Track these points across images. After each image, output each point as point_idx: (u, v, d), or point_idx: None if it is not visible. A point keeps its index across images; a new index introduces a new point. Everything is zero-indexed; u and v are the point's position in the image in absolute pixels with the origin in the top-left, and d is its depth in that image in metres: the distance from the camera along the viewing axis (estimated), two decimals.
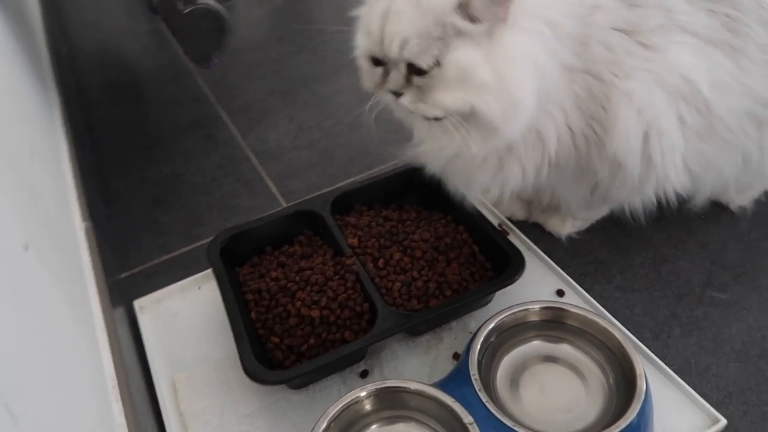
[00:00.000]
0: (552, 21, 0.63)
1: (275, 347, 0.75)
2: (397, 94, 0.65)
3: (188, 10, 1.07)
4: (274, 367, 0.73)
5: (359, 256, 0.83)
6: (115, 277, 0.93)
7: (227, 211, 1.07)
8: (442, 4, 0.59)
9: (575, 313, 0.71)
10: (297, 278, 0.80)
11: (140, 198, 1.11)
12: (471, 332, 0.78)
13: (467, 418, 0.62)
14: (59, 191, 0.89)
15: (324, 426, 0.62)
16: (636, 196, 0.77)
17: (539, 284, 0.85)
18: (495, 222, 0.95)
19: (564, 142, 0.71)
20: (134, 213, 1.08)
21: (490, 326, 0.70)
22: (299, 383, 0.75)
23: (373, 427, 0.67)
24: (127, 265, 0.98)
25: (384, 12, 0.62)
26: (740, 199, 0.92)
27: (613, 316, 0.79)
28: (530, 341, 0.73)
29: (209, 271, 0.85)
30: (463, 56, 0.60)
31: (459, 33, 0.60)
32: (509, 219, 0.96)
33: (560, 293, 0.84)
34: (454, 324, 0.81)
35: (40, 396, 0.46)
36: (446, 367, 0.75)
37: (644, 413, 0.63)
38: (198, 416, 0.73)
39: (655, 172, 0.72)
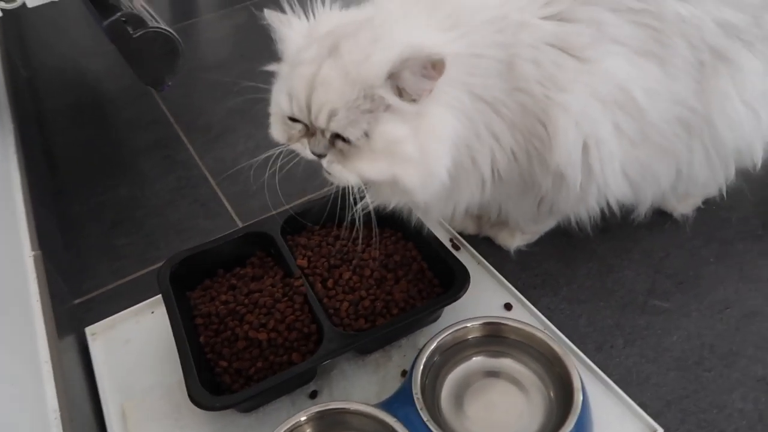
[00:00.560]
0: (475, 69, 0.65)
1: (223, 371, 0.75)
2: (318, 155, 0.67)
3: (138, 33, 1.07)
4: (223, 391, 0.74)
5: (308, 277, 0.83)
6: (67, 304, 0.93)
7: (184, 233, 1.07)
8: (371, 76, 0.60)
9: (514, 327, 0.73)
10: (246, 301, 0.81)
11: (97, 222, 1.11)
12: (420, 349, 0.79)
13: None
14: (8, 221, 0.89)
15: None
16: (580, 206, 0.79)
17: (488, 298, 0.86)
18: (447, 237, 0.97)
19: (502, 161, 0.72)
20: (91, 238, 1.08)
21: (433, 346, 0.72)
22: (248, 407, 0.75)
23: None
24: (81, 291, 0.98)
25: (310, 79, 0.62)
26: (682, 207, 0.95)
27: (558, 328, 0.80)
28: (472, 357, 0.74)
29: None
30: (391, 130, 0.62)
31: (388, 107, 0.62)
32: (461, 234, 0.97)
33: (508, 307, 0.85)
34: (403, 341, 0.82)
35: None
36: (395, 385, 0.76)
37: (581, 426, 0.64)
38: None
39: (596, 180, 0.74)
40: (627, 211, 0.86)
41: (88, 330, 0.87)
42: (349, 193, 0.69)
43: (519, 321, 0.73)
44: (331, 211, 0.93)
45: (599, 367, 0.76)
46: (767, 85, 0.74)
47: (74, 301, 0.95)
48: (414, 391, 0.67)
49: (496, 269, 0.90)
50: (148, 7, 1.19)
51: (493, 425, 0.69)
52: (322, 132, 0.65)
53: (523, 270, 0.92)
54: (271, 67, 0.70)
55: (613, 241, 0.94)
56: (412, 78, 0.60)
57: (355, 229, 0.91)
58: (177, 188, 1.17)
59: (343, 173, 0.66)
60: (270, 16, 0.68)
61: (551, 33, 0.68)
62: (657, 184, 0.80)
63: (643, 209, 0.85)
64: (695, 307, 0.84)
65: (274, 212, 1.05)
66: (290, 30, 0.68)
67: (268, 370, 0.75)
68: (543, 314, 0.82)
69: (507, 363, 0.73)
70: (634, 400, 0.72)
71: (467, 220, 0.98)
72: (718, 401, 0.74)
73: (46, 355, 0.72)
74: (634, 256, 0.92)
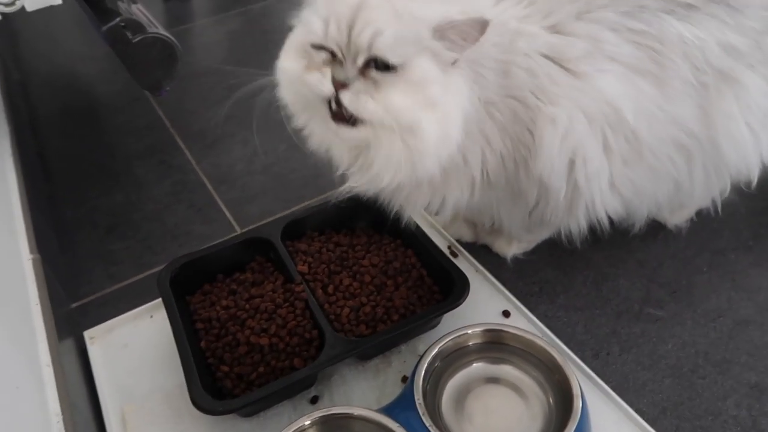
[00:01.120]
0: (480, 64, 0.66)
1: (225, 376, 0.75)
2: (337, 90, 0.62)
3: (137, 39, 1.08)
4: (224, 396, 0.74)
5: (309, 283, 0.84)
6: (65, 308, 0.92)
7: (181, 238, 1.07)
8: (420, 19, 0.61)
9: (515, 334, 0.74)
10: (247, 306, 0.81)
11: (92, 227, 1.11)
12: (419, 354, 0.79)
13: None
14: (7, 224, 0.88)
15: None
16: (569, 220, 0.80)
17: (486, 305, 0.87)
18: (445, 244, 0.98)
19: (492, 163, 0.73)
20: (86, 242, 1.08)
21: (434, 351, 0.72)
22: (249, 411, 0.75)
23: None
24: (79, 295, 0.97)
25: (357, 2, 0.61)
26: (675, 218, 0.97)
27: (556, 335, 0.82)
28: (473, 363, 0.75)
29: (161, 299, 0.85)
30: (429, 67, 0.62)
31: (430, 48, 0.62)
32: (458, 241, 0.98)
33: (506, 314, 0.86)
34: (403, 347, 0.83)
35: None
36: (395, 390, 0.76)
37: None
38: None
39: (583, 197, 0.75)
40: (618, 224, 0.88)
41: (87, 334, 0.87)
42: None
43: (519, 328, 0.74)
44: (330, 217, 0.94)
45: (596, 374, 0.77)
46: None
47: (72, 305, 0.95)
48: (416, 397, 0.68)
49: (493, 276, 0.91)
50: (146, 12, 1.20)
51: (493, 430, 0.69)
52: (354, 58, 0.62)
53: (521, 278, 0.93)
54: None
55: (607, 250, 0.96)
56: (455, 37, 0.61)
57: (355, 236, 0.93)
58: (173, 193, 1.17)
59: (369, 104, 0.62)
60: None
61: (546, 44, 0.69)
62: (652, 200, 0.81)
63: (638, 223, 0.86)
64: (689, 315, 0.86)
65: (272, 218, 1.07)
66: None
67: (270, 375, 0.75)
68: (541, 321, 0.83)
69: (507, 369, 0.74)
70: (631, 406, 0.74)
71: (463, 227, 0.99)
72: (712, 408, 0.76)
73: (47, 359, 0.72)
74: (629, 265, 0.94)
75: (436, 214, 0.85)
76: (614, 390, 0.75)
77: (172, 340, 0.77)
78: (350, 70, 0.62)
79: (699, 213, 0.97)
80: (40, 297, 0.81)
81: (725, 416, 0.75)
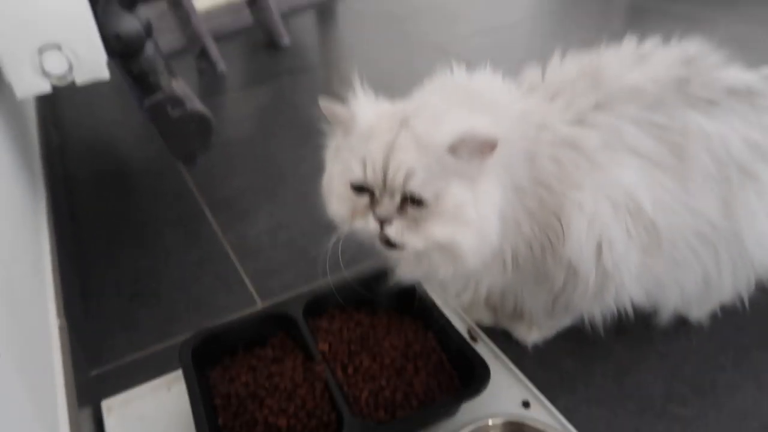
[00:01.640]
0: (508, 162, 0.69)
1: None
2: (382, 225, 0.69)
3: (177, 114, 1.13)
4: None
5: (329, 362, 0.84)
6: (85, 375, 0.93)
7: (203, 308, 1.08)
8: (438, 144, 0.66)
9: (537, 429, 0.73)
10: (266, 384, 0.81)
11: (118, 292, 1.13)
12: None
13: None
14: (37, 288, 0.90)
15: None
16: (595, 305, 0.80)
17: (506, 394, 0.86)
18: (464, 327, 0.98)
19: (521, 248, 0.75)
20: (110, 308, 1.09)
21: None
22: None
23: None
24: (99, 362, 0.98)
25: (388, 144, 0.67)
26: (698, 312, 0.96)
27: (578, 429, 0.80)
28: None
29: (180, 371, 0.86)
30: (459, 193, 0.66)
31: (454, 171, 0.66)
32: (477, 324, 0.98)
33: (526, 404, 0.85)
34: None
35: None
36: None
37: None
38: None
39: (613, 281, 0.76)
40: (644, 315, 0.88)
41: (104, 404, 0.87)
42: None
43: (542, 422, 0.73)
44: (351, 296, 0.95)
45: None
46: None
47: (92, 373, 0.95)
48: None
49: (513, 364, 0.90)
50: (185, 87, 1.26)
51: None
52: (391, 196, 0.68)
53: (540, 366, 0.92)
54: (332, 142, 0.75)
55: (629, 342, 0.95)
56: (467, 152, 0.65)
57: (375, 316, 0.94)
58: (198, 263, 1.19)
59: (412, 238, 0.68)
60: (326, 104, 0.72)
61: (568, 134, 0.72)
62: (677, 292, 0.81)
63: (664, 315, 0.86)
64: (714, 415, 0.84)
65: (294, 292, 1.08)
66: (360, 107, 0.72)
67: None
68: (562, 414, 0.82)
69: None
70: None
71: (484, 310, 0.99)
72: None
73: (66, 428, 0.72)
74: (650, 358, 0.93)
75: (456, 295, 0.86)
76: None
77: (189, 415, 0.77)
78: (389, 209, 0.68)
79: (723, 308, 0.97)
80: (63, 363, 0.82)
81: None
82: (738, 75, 0.79)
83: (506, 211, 0.70)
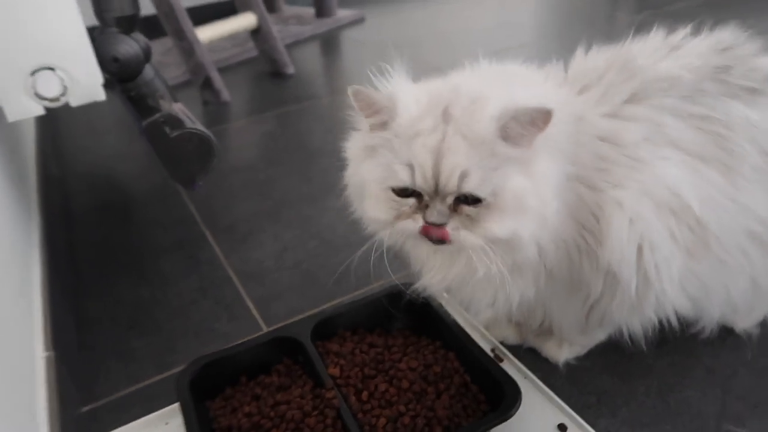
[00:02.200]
0: (557, 140, 0.62)
1: None
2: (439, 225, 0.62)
3: (176, 134, 1.08)
4: None
5: (341, 388, 0.76)
6: (75, 412, 0.85)
7: (204, 335, 1.01)
8: (486, 133, 0.59)
9: None
10: (272, 414, 0.73)
11: (115, 322, 1.06)
12: None
13: None
14: (23, 319, 0.84)
15: None
16: (636, 316, 0.72)
17: (539, 417, 0.78)
18: (487, 347, 0.90)
19: (558, 251, 0.68)
20: (106, 339, 1.02)
21: None
22: None
23: None
24: (92, 396, 0.90)
25: (436, 146, 0.60)
26: (744, 321, 0.87)
27: None
28: None
29: (178, 404, 0.78)
30: (518, 184, 0.60)
31: (508, 159, 0.59)
32: (501, 343, 0.90)
33: (562, 428, 0.76)
34: None
35: None
36: None
37: None
38: None
39: (653, 288, 0.68)
40: (687, 325, 0.80)
41: None
42: None
43: None
44: (363, 317, 0.88)
45: None
46: None
47: (83, 409, 0.88)
48: None
49: (544, 384, 0.81)
50: (186, 111, 1.21)
51: None
52: (443, 199, 0.61)
53: (574, 386, 0.84)
54: (371, 141, 0.65)
55: (670, 356, 0.86)
56: (519, 128, 0.58)
57: (390, 336, 0.86)
58: (199, 289, 1.12)
59: (469, 238, 0.61)
60: (360, 91, 0.64)
61: (606, 128, 0.66)
62: (723, 298, 0.74)
63: (708, 325, 0.78)
64: None
65: (300, 316, 1.00)
66: (402, 93, 0.64)
67: None
68: None
69: None
70: None
71: (508, 327, 0.91)
72: None
73: None
74: (697, 373, 0.84)
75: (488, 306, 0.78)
76: None
77: None
78: (443, 211, 0.61)
79: None
80: (49, 399, 0.74)
81: None
82: None
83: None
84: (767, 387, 0.81)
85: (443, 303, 0.90)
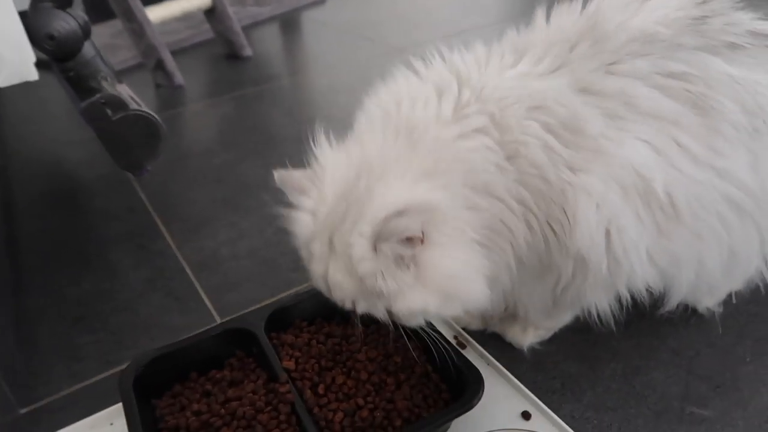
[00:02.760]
0: (471, 171, 0.61)
1: None
2: None
3: (118, 116, 1.01)
4: None
5: (296, 381, 0.72)
6: (11, 415, 0.79)
7: (155, 330, 0.95)
8: (364, 268, 0.59)
9: None
10: (222, 411, 0.69)
11: (58, 317, 1.00)
12: None
13: None
14: None
15: None
16: (607, 294, 0.71)
17: (502, 406, 0.75)
18: (451, 334, 0.87)
19: (523, 249, 0.66)
20: (49, 335, 0.96)
21: None
22: None
23: None
24: (32, 397, 0.85)
25: (323, 276, 0.64)
26: (709, 300, 0.86)
27: None
28: None
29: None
30: (407, 303, 0.61)
31: (399, 260, 0.59)
32: (464, 329, 0.87)
33: (526, 416, 0.74)
34: None
35: None
36: None
37: None
38: None
39: (623, 268, 0.66)
40: (653, 305, 0.78)
41: None
42: None
43: None
44: (321, 306, 0.84)
45: None
46: None
47: (20, 411, 0.82)
48: None
49: (508, 371, 0.79)
50: (130, 92, 1.15)
51: None
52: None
53: (539, 371, 0.81)
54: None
55: (636, 339, 0.85)
56: (394, 251, 0.59)
57: (349, 325, 0.82)
58: (150, 280, 1.06)
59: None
60: (282, 178, 0.68)
61: (565, 116, 0.62)
62: (697, 270, 0.71)
63: (676, 299, 0.76)
64: (739, 414, 0.74)
65: (257, 306, 0.96)
66: (299, 215, 0.66)
67: None
68: (567, 424, 0.71)
69: None
70: None
71: (470, 313, 0.88)
72: None
73: None
74: (662, 355, 0.83)
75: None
76: None
77: None
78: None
79: (736, 296, 0.87)
80: None
81: None
82: (757, 22, 0.69)
83: (491, 232, 0.63)
84: (730, 367, 0.80)
85: None
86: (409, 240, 0.58)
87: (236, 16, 2.16)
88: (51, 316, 1.00)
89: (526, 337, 0.84)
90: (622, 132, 0.63)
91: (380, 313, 0.63)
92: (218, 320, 0.96)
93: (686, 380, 0.79)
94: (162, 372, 0.75)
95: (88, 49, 1.12)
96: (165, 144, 1.08)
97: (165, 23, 2.00)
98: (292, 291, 1.00)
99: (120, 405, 0.76)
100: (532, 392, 0.76)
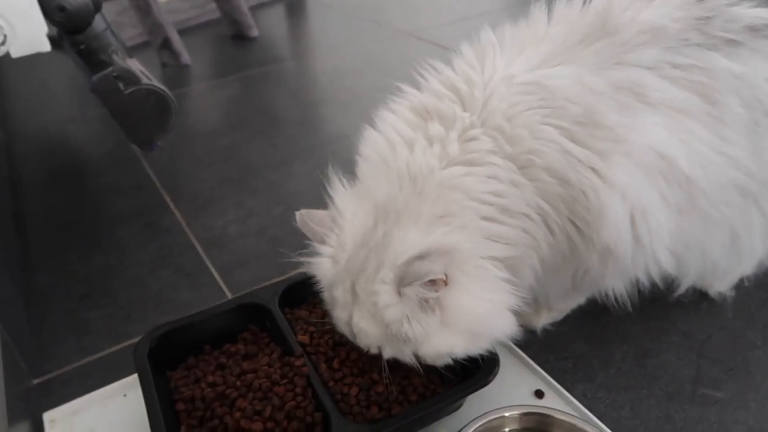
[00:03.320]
0: (491, 237, 0.62)
1: None
2: None
3: (130, 90, 1.01)
4: None
5: (311, 356, 0.72)
6: (23, 385, 0.79)
7: (164, 305, 0.95)
8: (389, 315, 0.59)
9: (562, 420, 0.62)
10: (238, 383, 0.69)
11: (66, 294, 0.99)
12: None
13: None
14: None
15: None
16: (627, 278, 0.71)
17: (515, 385, 0.76)
18: None
19: (546, 251, 0.66)
20: (58, 310, 0.96)
21: None
22: None
23: None
24: (43, 369, 0.85)
25: (347, 322, 0.64)
26: (720, 284, 0.87)
27: (599, 419, 0.69)
28: None
29: (137, 375, 0.73)
30: (434, 346, 0.61)
31: (424, 303, 0.59)
32: None
33: (539, 394, 0.74)
34: None
35: None
36: None
37: None
38: None
39: (645, 252, 0.66)
40: (664, 288, 0.78)
41: (47, 416, 0.74)
42: None
43: (567, 413, 0.63)
44: None
45: None
46: None
47: (33, 381, 0.82)
48: None
49: (520, 350, 0.79)
50: (140, 66, 1.14)
51: None
52: None
53: (551, 352, 0.82)
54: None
55: (647, 322, 0.85)
56: (418, 295, 0.58)
57: None
58: (159, 257, 1.06)
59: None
60: (303, 219, 0.66)
61: (579, 113, 0.61)
62: (705, 257, 0.72)
63: (684, 284, 0.77)
64: (751, 397, 0.74)
65: (267, 283, 0.96)
66: (319, 260, 0.66)
67: None
68: (581, 403, 0.71)
69: None
70: None
71: None
72: None
73: None
74: (673, 338, 0.83)
75: None
76: None
77: (147, 425, 0.64)
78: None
79: (747, 280, 0.87)
80: None
81: None
82: (755, 12, 0.69)
83: (514, 248, 0.63)
84: (742, 350, 0.81)
85: None
86: (432, 283, 0.57)
87: None
88: (60, 292, 1.00)
89: (539, 319, 0.84)
90: (637, 118, 0.63)
91: (407, 358, 0.62)
92: (229, 296, 0.96)
93: (698, 363, 0.79)
94: (175, 345, 0.75)
95: (98, 23, 1.11)
96: (176, 119, 1.07)
97: (171, 2, 1.99)
98: (303, 270, 1.00)
99: (133, 377, 0.77)
100: (545, 372, 0.76)
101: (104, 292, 0.99)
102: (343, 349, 0.73)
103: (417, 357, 0.62)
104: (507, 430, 0.63)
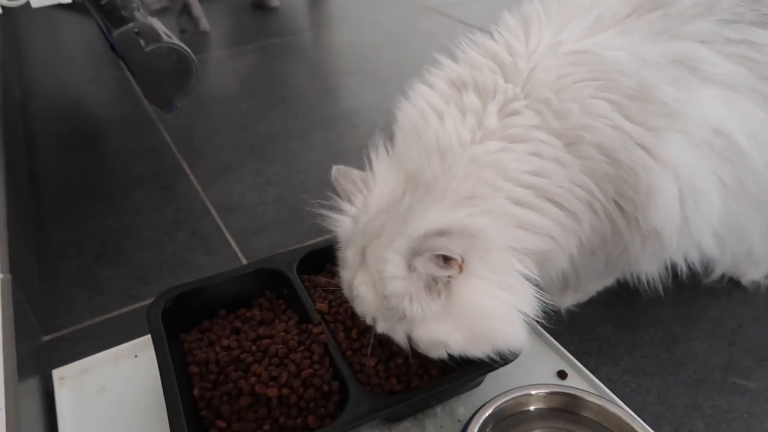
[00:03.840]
0: (522, 218, 0.58)
1: None
2: None
3: (151, 48, 0.98)
4: None
5: (329, 324, 0.70)
6: (33, 341, 0.78)
7: (179, 268, 0.93)
8: (393, 288, 0.56)
9: (591, 402, 0.59)
10: (253, 348, 0.67)
11: (80, 252, 0.98)
12: (459, 420, 0.66)
13: None
14: None
15: None
16: (662, 262, 0.68)
17: (537, 363, 0.73)
18: None
19: (587, 235, 0.63)
20: (71, 268, 0.94)
21: (487, 413, 0.58)
22: None
23: None
24: (55, 326, 0.83)
25: (349, 284, 0.62)
26: (754, 272, 0.83)
27: (624, 403, 0.67)
28: None
29: (149, 336, 0.71)
30: (429, 331, 0.57)
31: (430, 280, 0.56)
32: None
33: (562, 375, 0.72)
34: (438, 409, 0.68)
35: None
36: None
37: None
38: None
39: (690, 235, 0.63)
40: (697, 273, 0.75)
41: (56, 373, 0.72)
42: None
43: (597, 395, 0.60)
44: None
45: None
46: None
47: (43, 338, 0.81)
48: None
49: (544, 330, 0.77)
50: (162, 26, 1.11)
51: None
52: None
53: (575, 333, 0.79)
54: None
55: (675, 307, 0.82)
56: (428, 270, 0.55)
57: None
58: (174, 220, 1.04)
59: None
60: (338, 174, 0.64)
61: (632, 88, 0.58)
62: (743, 241, 0.69)
63: (720, 269, 0.74)
64: None
65: (286, 250, 0.93)
66: (341, 217, 0.64)
67: None
68: (605, 386, 0.69)
69: None
70: None
71: None
72: None
73: (0, 401, 0.57)
74: (703, 325, 0.80)
75: None
76: None
77: (159, 386, 0.63)
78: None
79: None
80: (3, 324, 0.67)
81: None
82: None
83: (550, 238, 0.59)
84: None
85: None
86: (446, 261, 0.54)
87: None
88: (73, 250, 0.98)
89: (565, 299, 0.81)
90: (693, 92, 0.59)
91: (399, 337, 0.59)
92: (243, 262, 0.94)
93: (729, 351, 0.76)
94: (189, 308, 0.73)
95: None
96: (197, 80, 1.05)
97: None
98: (320, 239, 0.98)
99: (144, 338, 0.75)
100: (569, 353, 0.73)
101: (118, 252, 0.97)
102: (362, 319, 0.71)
103: (410, 339, 0.59)
104: (532, 408, 0.61)
